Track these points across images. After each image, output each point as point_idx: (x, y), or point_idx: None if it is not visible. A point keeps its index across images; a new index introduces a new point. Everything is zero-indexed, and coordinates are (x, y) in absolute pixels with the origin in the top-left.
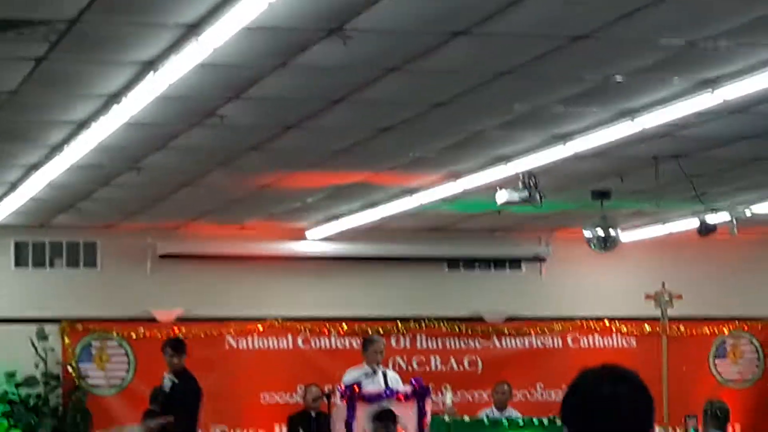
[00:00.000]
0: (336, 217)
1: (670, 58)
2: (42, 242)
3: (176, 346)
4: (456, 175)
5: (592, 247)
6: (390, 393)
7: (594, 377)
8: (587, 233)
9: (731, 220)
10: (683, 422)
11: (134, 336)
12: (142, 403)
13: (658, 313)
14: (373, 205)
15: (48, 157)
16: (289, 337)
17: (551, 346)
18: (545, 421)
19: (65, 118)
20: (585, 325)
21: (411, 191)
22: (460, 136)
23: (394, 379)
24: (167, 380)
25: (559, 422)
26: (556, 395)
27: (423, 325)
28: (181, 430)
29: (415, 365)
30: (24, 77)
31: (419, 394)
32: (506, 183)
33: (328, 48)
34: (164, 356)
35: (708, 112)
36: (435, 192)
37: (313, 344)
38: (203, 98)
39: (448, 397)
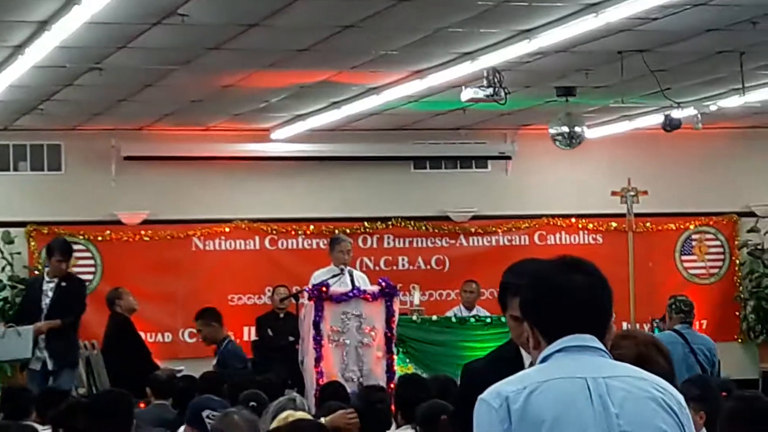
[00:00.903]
0: (301, 117)
1: None
2: (5, 146)
3: (65, 249)
4: (421, 73)
5: (558, 144)
6: (357, 293)
7: (550, 268)
8: (552, 130)
9: (696, 115)
10: (649, 321)
11: (100, 239)
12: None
13: (624, 209)
14: (337, 104)
15: (9, 58)
16: (256, 238)
17: (518, 243)
18: None
19: (25, 18)
20: (551, 222)
21: (375, 90)
22: (424, 33)
23: (362, 279)
24: (49, 283)
25: None
26: None
27: (390, 224)
28: (67, 335)
29: (382, 265)
30: None
31: (387, 294)
32: (471, 80)
33: None
34: (50, 259)
35: (671, 5)
36: (400, 90)
37: (280, 245)
38: None
39: (416, 297)
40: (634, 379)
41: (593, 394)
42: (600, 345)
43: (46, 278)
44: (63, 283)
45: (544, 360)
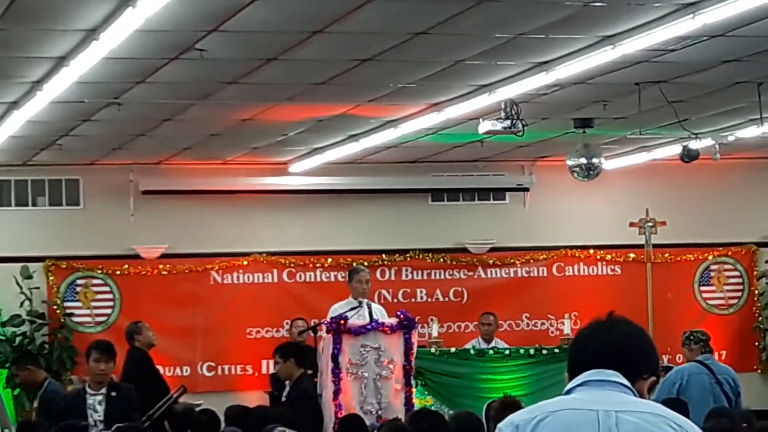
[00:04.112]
0: (318, 150)
1: None
2: (24, 181)
3: (104, 348)
4: (438, 106)
5: (576, 175)
6: (375, 325)
7: (592, 323)
8: (570, 162)
9: (714, 146)
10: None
11: (119, 273)
12: None
13: (642, 240)
14: (355, 137)
15: (27, 94)
16: (274, 271)
17: (536, 275)
18: (531, 351)
19: (44, 54)
20: (570, 253)
21: (393, 123)
22: (441, 66)
23: (380, 312)
24: (95, 396)
25: (545, 351)
26: (542, 325)
27: (408, 257)
28: None
29: (400, 297)
30: (0, 14)
31: (405, 327)
32: (489, 112)
33: None
34: (88, 362)
35: (688, 36)
36: (417, 123)
37: (298, 278)
38: (182, 32)
39: (435, 329)
40: (649, 414)
41: (602, 426)
42: (624, 381)
43: (89, 390)
44: (113, 393)
45: (567, 393)
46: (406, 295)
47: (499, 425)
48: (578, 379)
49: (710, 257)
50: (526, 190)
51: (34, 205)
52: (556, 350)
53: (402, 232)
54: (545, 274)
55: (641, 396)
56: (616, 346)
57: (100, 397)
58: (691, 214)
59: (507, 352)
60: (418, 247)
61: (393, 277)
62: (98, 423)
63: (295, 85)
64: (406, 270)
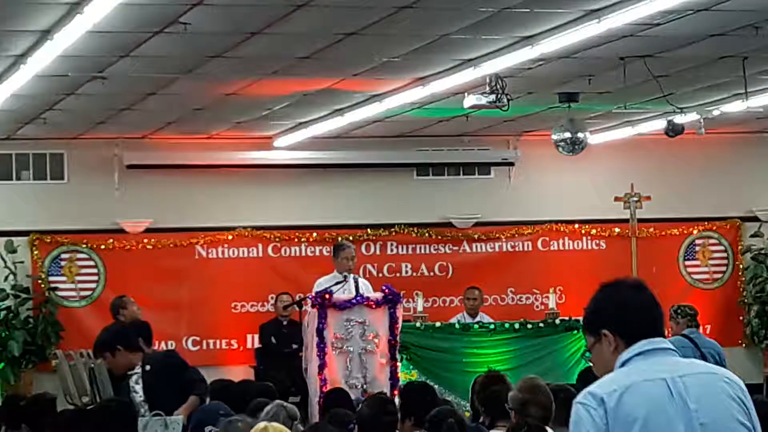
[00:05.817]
0: (303, 124)
1: None
2: (8, 155)
3: (96, 348)
4: (423, 80)
5: (561, 150)
6: (360, 300)
7: (623, 286)
8: (555, 136)
9: (699, 120)
10: None
11: (104, 247)
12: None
13: (627, 215)
14: (340, 111)
15: (11, 67)
16: (260, 246)
17: (521, 250)
18: (516, 325)
19: (28, 27)
20: (554, 228)
21: (378, 97)
22: (426, 40)
23: (365, 286)
24: (131, 377)
25: (530, 325)
26: (527, 299)
27: (393, 231)
28: None
29: (386, 272)
30: None
31: (390, 301)
32: (474, 87)
33: None
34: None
35: (674, 10)
36: (402, 97)
37: (283, 253)
38: (166, 5)
39: (420, 303)
40: (706, 375)
41: (674, 392)
42: (671, 345)
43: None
44: (147, 367)
45: (623, 364)
46: (391, 270)
47: (578, 400)
48: (633, 350)
49: (695, 232)
50: (511, 164)
51: (18, 179)
52: (541, 324)
53: (387, 206)
54: (530, 249)
55: None
56: (654, 317)
57: (135, 377)
58: (675, 189)
59: (492, 326)
60: (403, 222)
61: (378, 252)
62: (142, 404)
63: (280, 59)
64: (391, 244)
